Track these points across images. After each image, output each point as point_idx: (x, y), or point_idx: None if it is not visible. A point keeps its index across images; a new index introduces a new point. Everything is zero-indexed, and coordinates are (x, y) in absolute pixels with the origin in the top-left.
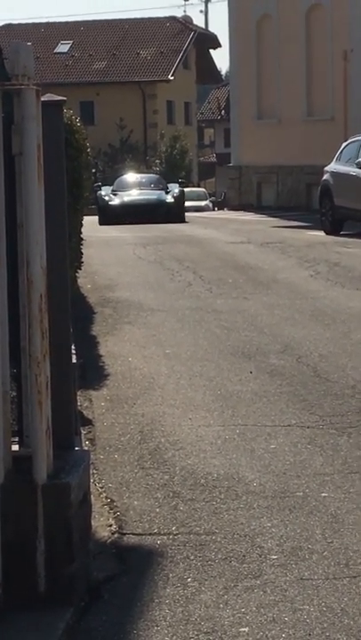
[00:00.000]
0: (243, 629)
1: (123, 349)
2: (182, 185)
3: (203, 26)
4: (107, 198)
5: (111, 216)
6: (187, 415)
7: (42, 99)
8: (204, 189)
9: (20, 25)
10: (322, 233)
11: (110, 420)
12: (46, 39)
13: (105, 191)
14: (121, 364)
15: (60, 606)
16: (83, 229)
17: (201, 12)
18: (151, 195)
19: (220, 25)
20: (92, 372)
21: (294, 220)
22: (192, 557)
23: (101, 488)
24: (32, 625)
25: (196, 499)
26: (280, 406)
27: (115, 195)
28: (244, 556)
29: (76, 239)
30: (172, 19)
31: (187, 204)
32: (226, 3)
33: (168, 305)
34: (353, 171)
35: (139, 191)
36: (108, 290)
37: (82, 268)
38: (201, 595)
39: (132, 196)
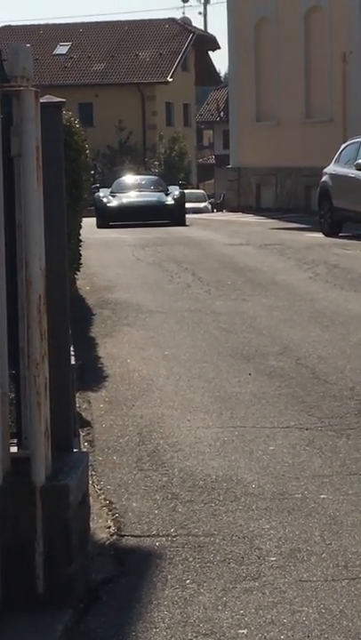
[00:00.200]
0: (241, 631)
1: (121, 351)
2: (183, 187)
3: (202, 28)
4: (105, 200)
5: (109, 218)
6: (185, 417)
7: (41, 100)
8: (202, 191)
9: (18, 26)
10: (321, 235)
11: (109, 421)
12: (45, 41)
13: (103, 193)
14: (120, 366)
15: (59, 608)
16: (82, 231)
17: (200, 13)
18: (151, 197)
19: (219, 27)
20: (91, 374)
21: (293, 222)
22: (191, 559)
23: (100, 490)
24: (31, 626)
25: (195, 500)
26: (279, 408)
27: (113, 196)
28: (242, 557)
29: (75, 240)
30: (171, 20)
31: (186, 205)
32: (225, 4)
33: (167, 306)
34: (352, 172)
35: (138, 193)
36: (106, 291)
37: (81, 269)
38: (200, 596)
39: (131, 197)
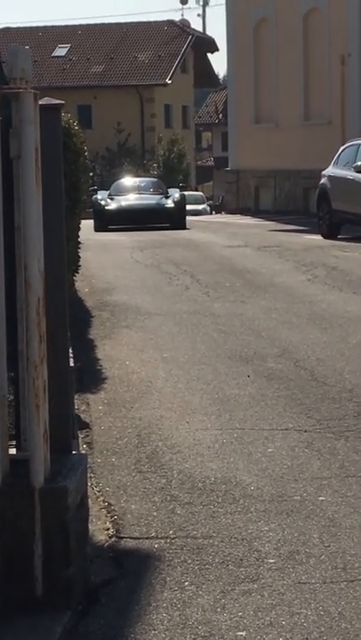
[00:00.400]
0: (240, 633)
1: (120, 353)
2: (183, 189)
3: (200, 30)
4: (103, 203)
5: (107, 222)
6: (184, 419)
7: (40, 102)
8: (201, 193)
9: (17, 28)
10: (319, 237)
11: (108, 423)
12: (44, 43)
13: (101, 195)
14: (118, 368)
15: (58, 610)
16: (80, 233)
17: (199, 15)
18: (150, 199)
19: (217, 29)
20: (90, 376)
21: (292, 224)
22: (189, 561)
23: (99, 492)
24: (30, 628)
25: (194, 502)
26: (277, 410)
27: (111, 199)
28: (241, 559)
29: (74, 242)
30: (170, 22)
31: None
32: (224, 7)
33: (165, 309)
34: (350, 175)
35: (137, 196)
36: (105, 293)
37: (79, 271)
38: (198, 598)
39: (130, 200)
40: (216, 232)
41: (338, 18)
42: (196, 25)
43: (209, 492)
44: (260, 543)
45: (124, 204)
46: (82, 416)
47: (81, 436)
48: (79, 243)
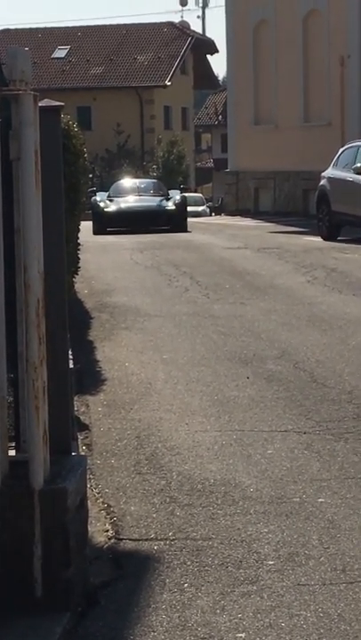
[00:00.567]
0: (239, 635)
1: (120, 355)
2: (183, 190)
3: (200, 31)
4: (102, 205)
5: (107, 224)
6: (184, 420)
7: (39, 104)
8: (201, 195)
9: (17, 30)
10: (319, 238)
11: (107, 425)
12: (44, 44)
13: (100, 197)
14: (118, 370)
15: (57, 611)
16: (80, 234)
17: (198, 17)
18: (151, 201)
19: (217, 30)
20: (89, 378)
21: (291, 226)
22: (189, 563)
23: (98, 493)
24: (29, 630)
25: (193, 504)
26: (277, 412)
27: (111, 201)
28: (240, 561)
29: (74, 244)
30: (170, 24)
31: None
32: (223, 8)
33: (165, 310)
34: (350, 176)
35: (137, 197)
36: (105, 295)
37: (79, 272)
38: (198, 600)
39: (130, 202)
40: (216, 234)
41: (337, 19)
42: (196, 26)
43: (208, 493)
44: (259, 545)
45: (123, 206)
46: (81, 417)
47: (80, 437)
48: (79, 244)
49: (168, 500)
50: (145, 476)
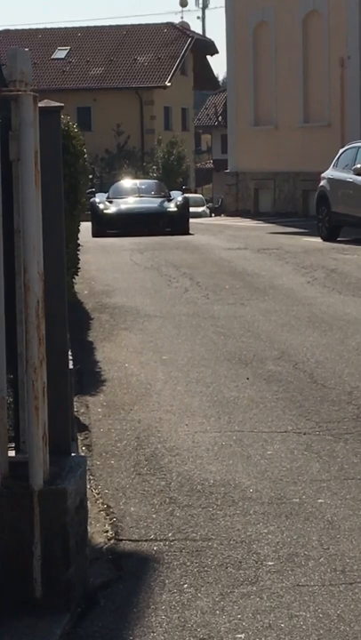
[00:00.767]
0: (239, 636)
1: (119, 355)
2: (185, 191)
3: (200, 32)
4: (101, 206)
5: (106, 226)
6: (183, 421)
7: (39, 104)
8: (201, 195)
9: (17, 31)
10: (319, 239)
11: (107, 425)
12: (44, 45)
13: (99, 198)
14: (118, 370)
15: (57, 612)
16: (80, 235)
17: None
18: (152, 203)
19: (217, 31)
20: (89, 378)
21: (291, 227)
22: (188, 563)
23: (98, 494)
24: (29, 630)
25: (193, 505)
26: (277, 412)
27: (110, 202)
28: (240, 562)
29: (73, 245)
30: (170, 25)
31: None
32: (223, 9)
33: (165, 311)
34: (350, 177)
35: (138, 199)
36: (104, 296)
37: (79, 273)
38: (197, 601)
39: (130, 204)
40: (216, 234)
41: (337, 20)
42: (196, 27)
43: (208, 494)
44: (258, 546)
45: (123, 207)
46: (81, 418)
47: (80, 438)
48: (78, 245)
49: (168, 500)
50: (145, 477)
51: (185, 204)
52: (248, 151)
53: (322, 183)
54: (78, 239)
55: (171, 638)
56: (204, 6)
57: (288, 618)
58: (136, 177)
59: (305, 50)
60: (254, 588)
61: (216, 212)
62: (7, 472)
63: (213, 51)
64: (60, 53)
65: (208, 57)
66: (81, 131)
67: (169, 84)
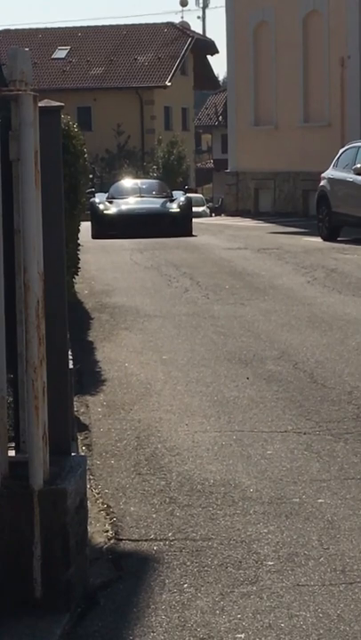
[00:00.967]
0: (239, 635)
1: (119, 355)
2: (187, 191)
3: (200, 32)
4: (101, 207)
5: (106, 227)
6: (183, 421)
7: (39, 104)
8: (201, 195)
9: (17, 30)
10: (319, 239)
11: (107, 425)
12: (44, 45)
13: (99, 198)
14: (118, 370)
15: (57, 612)
16: (80, 235)
17: (198, 18)
18: (153, 203)
19: (217, 31)
20: (89, 378)
21: (291, 227)
22: (188, 563)
23: (98, 494)
24: (28, 630)
25: (193, 505)
26: (277, 412)
27: (110, 202)
28: (240, 562)
29: (73, 244)
30: (170, 25)
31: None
32: (223, 9)
33: (165, 311)
34: (350, 177)
35: (139, 199)
36: (104, 295)
37: (79, 273)
38: (197, 601)
39: (131, 204)
40: (216, 234)
41: (337, 20)
42: (196, 27)
43: (208, 494)
44: (259, 545)
45: (124, 208)
46: (81, 418)
47: (80, 437)
48: (78, 244)
49: (168, 500)
50: (145, 477)
51: (188, 205)
52: (248, 151)
53: (322, 183)
54: (78, 239)
55: (171, 638)
56: (205, 6)
57: (288, 618)
58: (136, 177)
59: (305, 50)
60: (254, 588)
61: (216, 211)
62: (7, 472)
63: (214, 50)
64: (61, 53)
65: (208, 57)
66: (81, 130)
67: (169, 84)
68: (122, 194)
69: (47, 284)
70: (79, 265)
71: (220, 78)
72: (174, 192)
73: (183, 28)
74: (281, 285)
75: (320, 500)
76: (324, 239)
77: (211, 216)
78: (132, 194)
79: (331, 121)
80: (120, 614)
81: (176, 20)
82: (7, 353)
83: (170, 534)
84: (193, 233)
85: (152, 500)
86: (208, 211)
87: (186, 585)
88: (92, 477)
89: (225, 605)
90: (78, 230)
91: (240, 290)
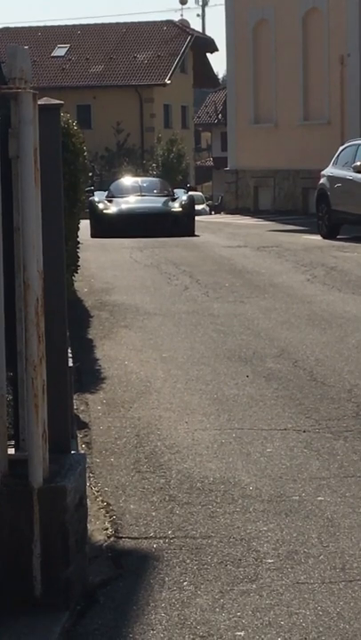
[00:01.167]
0: (239, 633)
1: (119, 353)
2: (189, 190)
3: (200, 30)
4: (101, 206)
5: (106, 227)
6: (183, 419)
7: (39, 102)
8: (201, 193)
9: (17, 28)
10: (319, 237)
11: (106, 423)
12: (43, 43)
13: (99, 197)
14: (117, 368)
15: (56, 610)
16: (79, 233)
17: (198, 15)
18: (155, 202)
19: (217, 29)
20: (89, 376)
21: (291, 224)
22: (188, 561)
23: (97, 492)
24: (28, 628)
25: (192, 502)
26: (276, 410)
27: (110, 201)
28: (240, 559)
29: (73, 242)
30: (169, 22)
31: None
32: (223, 7)
33: (165, 309)
34: (350, 175)
35: (140, 198)
36: (104, 293)
37: (78, 271)
38: (197, 598)
39: (132, 203)
40: (215, 232)
41: (337, 18)
42: (196, 25)
43: (208, 492)
44: (258, 543)
45: (124, 207)
46: (81, 416)
47: (80, 435)
48: (78, 242)
49: (167, 498)
50: (144, 475)
51: (190, 204)
52: (248, 149)
53: (322, 181)
54: (78, 237)
55: (170, 636)
56: (204, 4)
57: (288, 615)
58: (136, 175)
59: (305, 48)
60: (254, 586)
61: (216, 209)
62: (7, 470)
63: (213, 48)
64: (60, 51)
65: (208, 55)
66: (81, 128)
67: (169, 82)
68: (122, 192)
69: (47, 282)
70: (79, 263)
71: (220, 76)
72: (176, 190)
73: (183, 26)
74: (281, 283)
75: (320, 498)
76: (324, 237)
77: (210, 214)
78: (132, 192)
79: (330, 119)
80: (120, 612)
81: (176, 17)
82: (7, 351)
83: (169, 532)
84: (196, 233)
85: (152, 498)
86: (208, 209)
87: (185, 583)
88: (91, 475)
89: (225, 603)
90: (78, 228)
91: (240, 288)
